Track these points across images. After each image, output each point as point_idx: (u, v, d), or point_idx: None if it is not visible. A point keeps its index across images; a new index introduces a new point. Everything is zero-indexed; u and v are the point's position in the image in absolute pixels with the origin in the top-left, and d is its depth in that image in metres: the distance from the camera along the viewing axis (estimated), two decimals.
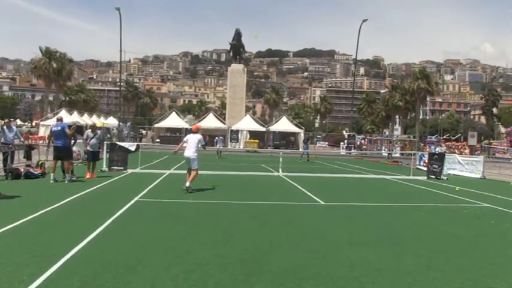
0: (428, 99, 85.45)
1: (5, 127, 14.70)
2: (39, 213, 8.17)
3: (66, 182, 12.89)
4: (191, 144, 12.19)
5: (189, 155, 12.12)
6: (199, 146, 12.27)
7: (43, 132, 41.45)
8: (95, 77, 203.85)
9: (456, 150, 43.64)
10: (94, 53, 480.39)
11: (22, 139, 17.92)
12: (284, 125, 51.82)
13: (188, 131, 47.85)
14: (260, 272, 5.21)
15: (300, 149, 31.49)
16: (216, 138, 32.52)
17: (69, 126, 13.88)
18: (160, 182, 14.41)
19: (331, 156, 38.68)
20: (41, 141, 32.03)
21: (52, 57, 53.66)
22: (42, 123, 44.33)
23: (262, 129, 50.21)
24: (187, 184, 11.89)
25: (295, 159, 30.30)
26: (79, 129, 16.65)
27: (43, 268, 5.01)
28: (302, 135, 50.82)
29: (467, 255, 6.35)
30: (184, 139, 12.59)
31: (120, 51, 44.88)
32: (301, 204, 10.88)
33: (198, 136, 12.33)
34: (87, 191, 11.42)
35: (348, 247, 6.53)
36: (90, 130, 15.10)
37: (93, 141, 14.91)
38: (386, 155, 39.78)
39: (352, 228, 7.99)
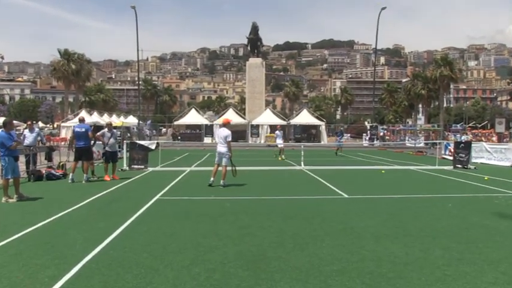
0: (451, 86, 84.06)
1: (26, 130, 14.91)
2: (60, 214, 8.26)
3: (84, 182, 13.00)
4: (220, 140, 12.31)
5: (221, 150, 12.26)
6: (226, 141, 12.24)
7: (64, 133, 42.07)
8: (113, 77, 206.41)
9: (483, 138, 42.65)
10: (112, 53, 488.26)
11: (45, 141, 18.18)
12: (305, 118, 51.47)
13: (208, 127, 48.57)
14: (284, 269, 5.13)
15: (335, 142, 29.62)
16: (277, 132, 26.08)
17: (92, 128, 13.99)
18: (181, 179, 14.43)
19: (353, 148, 38.27)
20: (62, 143, 32.51)
21: (70, 58, 54.53)
22: (63, 124, 45.01)
23: (283, 122, 49.94)
24: (222, 182, 12.13)
25: (317, 152, 30.06)
26: (99, 130, 16.68)
27: (64, 270, 5.03)
28: (323, 127, 50.46)
29: (500, 248, 6.13)
30: (230, 138, 12.41)
31: (138, 49, 45.21)
32: (324, 198, 10.74)
33: (225, 132, 12.26)
34: (107, 190, 11.50)
35: (374, 241, 6.39)
36: (106, 129, 14.78)
37: (112, 141, 14.59)
38: (414, 144, 39.03)
39: (378, 221, 7.84)
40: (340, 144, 29.68)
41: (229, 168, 12.50)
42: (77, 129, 13.52)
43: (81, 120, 14.41)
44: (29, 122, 16.93)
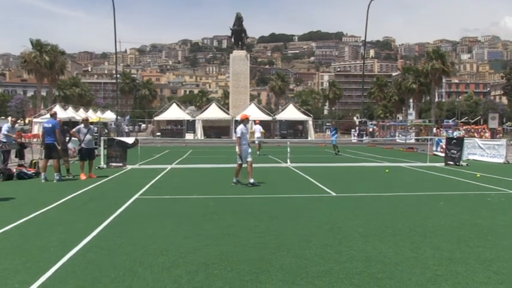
0: (444, 80, 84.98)
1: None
2: (33, 215, 8.16)
3: (55, 181, 12.85)
4: (247, 136, 12.81)
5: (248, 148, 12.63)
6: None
7: (37, 130, 41.52)
8: (89, 70, 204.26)
9: (476, 134, 43.28)
10: (88, 45, 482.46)
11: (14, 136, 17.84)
12: (291, 113, 51.60)
13: (190, 123, 48.36)
14: (269, 270, 5.15)
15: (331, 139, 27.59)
16: (255, 127, 27.10)
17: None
18: (161, 177, 14.37)
19: (342, 144, 38.49)
20: (34, 140, 32.09)
21: (43, 50, 53.56)
22: (35, 120, 44.40)
23: (268, 118, 50.02)
24: (251, 180, 12.26)
25: (304, 149, 30.18)
26: (74, 126, 16.48)
27: (36, 274, 4.97)
28: (310, 123, 50.65)
29: (492, 247, 6.23)
30: (238, 133, 12.47)
31: (115, 41, 44.80)
32: (311, 196, 10.80)
33: (242, 127, 12.57)
34: (84, 190, 11.40)
35: (362, 240, 6.45)
36: (82, 125, 14.54)
37: (88, 137, 14.36)
38: (404, 140, 39.38)
39: (367, 220, 7.91)
40: (334, 141, 27.72)
41: (245, 165, 12.68)
42: (45, 125, 13.39)
43: (52, 116, 14.20)
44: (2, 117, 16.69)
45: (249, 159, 12.52)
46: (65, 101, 61.81)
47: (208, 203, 9.57)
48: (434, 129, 49.59)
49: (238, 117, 47.22)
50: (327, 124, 72.43)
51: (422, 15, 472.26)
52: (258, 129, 26.42)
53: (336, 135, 27.17)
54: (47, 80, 55.95)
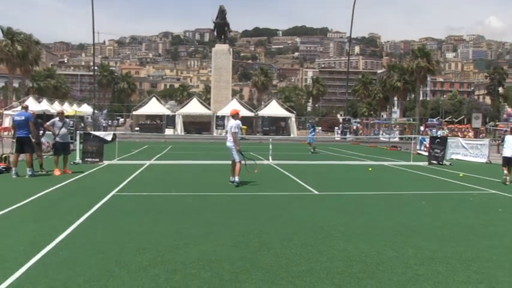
0: (428, 79, 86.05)
1: None
2: (2, 212, 8.03)
3: (27, 177, 12.66)
4: (229, 132, 12.09)
5: (228, 145, 12.01)
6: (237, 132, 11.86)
7: (8, 123, 40.82)
8: (65, 61, 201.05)
9: (459, 134, 43.96)
10: (64, 35, 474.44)
11: None
12: (274, 109, 51.74)
13: (170, 118, 48.10)
14: (249, 269, 5.17)
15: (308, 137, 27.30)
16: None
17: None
18: (140, 173, 14.28)
19: (325, 142, 38.72)
20: (5, 133, 31.56)
21: (15, 38, 52.39)
22: (6, 112, 43.59)
23: (251, 114, 50.07)
24: (236, 179, 11.83)
25: (286, 146, 30.30)
26: (49, 119, 16.25)
27: (4, 275, 4.87)
28: (293, 119, 50.85)
29: (473, 246, 6.36)
30: (235, 128, 11.90)
31: (93, 32, 44.22)
32: (293, 194, 10.86)
33: (231, 123, 12.01)
34: (58, 186, 11.27)
35: (344, 240, 6.52)
36: (57, 118, 14.28)
37: (63, 130, 14.10)
38: (388, 139, 39.77)
39: (349, 219, 7.98)
40: (312, 139, 27.31)
41: (250, 162, 12.51)
42: (16, 118, 13.12)
43: (24, 108, 13.96)
44: None
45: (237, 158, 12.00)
46: (39, 93, 60.79)
47: (187, 200, 9.55)
48: (422, 127, 50.21)
49: (219, 113, 47.31)
50: (310, 121, 72.84)
51: (408, 12, 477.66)
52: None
53: (313, 133, 27.18)
54: (20, 70, 54.87)
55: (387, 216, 8.30)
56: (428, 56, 59.24)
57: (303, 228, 7.21)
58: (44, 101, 46.13)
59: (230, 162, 12.33)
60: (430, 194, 11.27)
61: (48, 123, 14.32)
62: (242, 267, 5.25)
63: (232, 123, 11.92)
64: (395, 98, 77.39)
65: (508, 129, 21.87)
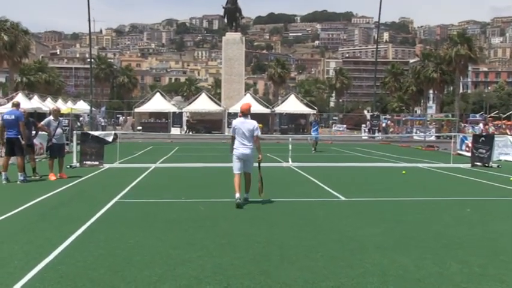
0: (470, 68, 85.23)
1: None
2: None
3: (18, 182, 12.77)
4: (245, 136, 9.92)
5: (246, 152, 9.89)
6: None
7: None
8: (58, 53, 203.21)
9: (508, 131, 43.45)
10: (56, 23, 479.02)
11: None
12: (292, 105, 51.65)
13: (176, 116, 48.31)
14: (271, 285, 5.15)
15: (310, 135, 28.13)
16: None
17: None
18: (144, 178, 14.36)
19: (350, 142, 38.57)
20: None
21: (1, 27, 52.96)
22: None
23: (266, 111, 50.06)
24: (245, 195, 10.17)
25: (307, 146, 30.15)
26: (42, 118, 16.37)
27: None
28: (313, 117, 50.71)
29: None
30: (233, 128, 10.25)
31: (89, 19, 44.70)
32: (317, 200, 10.83)
33: (251, 124, 10.03)
34: (54, 192, 11.35)
35: (377, 252, 6.47)
36: (52, 117, 14.38)
37: (59, 131, 14.22)
38: (423, 138, 39.45)
39: (382, 228, 7.94)
40: (316, 137, 27.90)
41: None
42: (6, 117, 13.19)
43: (15, 105, 14.08)
44: None
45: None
46: (29, 88, 61.24)
47: (199, 208, 9.58)
48: (463, 124, 49.68)
49: (231, 110, 47.32)
50: (334, 118, 72.67)
51: None
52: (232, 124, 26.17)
53: (317, 130, 27.29)
54: (7, 63, 55.28)
55: (426, 225, 8.23)
56: (469, 42, 58.55)
57: (330, 239, 7.18)
58: (35, 98, 46.44)
59: (237, 172, 9.94)
60: (475, 200, 11.14)
61: (42, 122, 14.41)
62: (263, 282, 5.24)
63: (251, 123, 10.05)
64: (431, 91, 76.84)
65: None
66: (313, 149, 26.69)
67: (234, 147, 9.99)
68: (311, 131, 28.23)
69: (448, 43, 62.27)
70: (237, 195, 9.65)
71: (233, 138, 10.12)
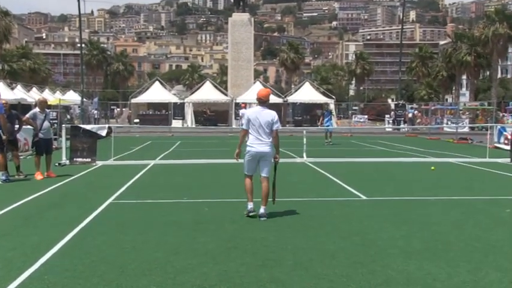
0: (510, 50, 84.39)
1: None
2: None
3: (0, 182, 12.80)
4: (263, 129, 8.85)
5: (265, 149, 8.87)
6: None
7: None
8: (44, 37, 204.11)
9: None
10: (41, 3, 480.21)
11: None
12: (307, 93, 51.56)
13: (178, 107, 48.37)
14: None
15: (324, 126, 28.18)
16: (241, 111, 29.88)
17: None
18: (142, 176, 14.43)
19: (372, 135, 38.47)
20: None
21: None
22: None
23: (278, 100, 49.97)
24: (262, 211, 8.86)
25: (323, 139, 30.13)
26: (27, 111, 16.42)
27: None
28: (332, 106, 50.51)
29: None
30: (244, 120, 9.28)
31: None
32: (335, 200, 10.85)
33: (270, 115, 8.95)
34: (40, 193, 11.41)
35: (403, 257, 6.46)
36: (38, 109, 14.30)
37: (46, 124, 14.09)
38: (455, 129, 39.27)
39: (407, 231, 7.92)
40: (328, 129, 28.43)
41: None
42: None
43: None
44: None
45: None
46: (11, 77, 61.34)
47: (203, 209, 9.61)
48: (501, 113, 49.33)
49: (239, 99, 47.30)
50: (354, 108, 72.41)
51: None
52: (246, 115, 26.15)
53: (330, 121, 27.34)
54: None
55: (459, 228, 8.19)
56: (509, 19, 57.87)
57: (350, 243, 7.18)
58: (19, 87, 46.63)
59: (249, 174, 9.08)
60: None
61: (27, 115, 14.37)
62: None
63: (270, 114, 8.95)
64: (464, 77, 76.26)
65: None
66: (327, 141, 26.89)
67: (248, 143, 8.84)
68: (323, 123, 28.37)
69: (484, 21, 61.72)
70: (250, 205, 8.81)
71: (245, 133, 8.99)
